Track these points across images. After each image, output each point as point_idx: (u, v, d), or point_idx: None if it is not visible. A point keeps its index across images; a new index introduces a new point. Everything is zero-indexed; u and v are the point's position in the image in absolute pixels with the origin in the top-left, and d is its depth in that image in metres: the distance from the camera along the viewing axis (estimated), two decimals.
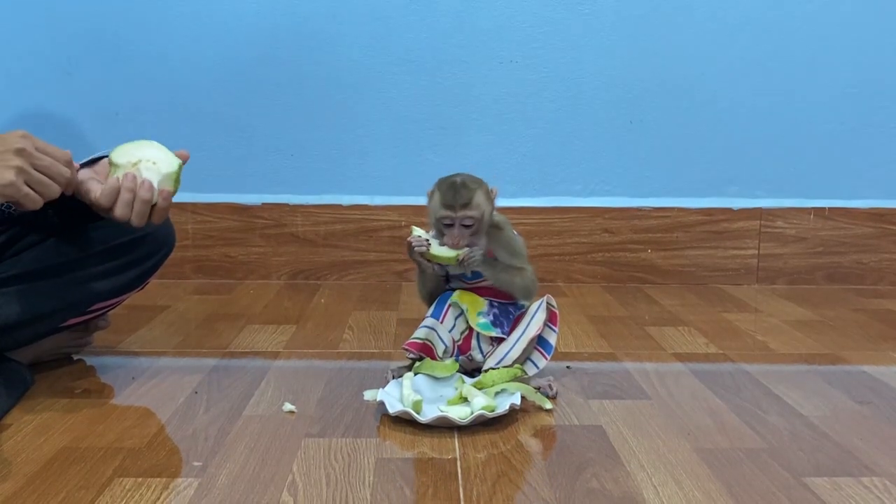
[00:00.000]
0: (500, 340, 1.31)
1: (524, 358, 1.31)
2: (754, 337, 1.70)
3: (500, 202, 1.35)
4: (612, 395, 1.32)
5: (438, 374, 1.28)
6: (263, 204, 2.20)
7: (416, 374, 1.28)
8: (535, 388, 1.26)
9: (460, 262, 1.27)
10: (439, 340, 1.33)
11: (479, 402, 1.17)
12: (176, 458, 1.06)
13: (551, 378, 1.32)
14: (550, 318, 1.33)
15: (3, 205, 1.29)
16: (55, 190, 1.13)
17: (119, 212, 1.18)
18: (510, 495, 0.96)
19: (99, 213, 1.23)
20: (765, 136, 2.21)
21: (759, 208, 2.22)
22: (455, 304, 1.33)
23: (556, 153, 2.21)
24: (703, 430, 1.17)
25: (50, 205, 1.25)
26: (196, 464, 1.04)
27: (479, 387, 1.23)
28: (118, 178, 1.18)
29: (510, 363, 1.28)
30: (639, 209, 2.22)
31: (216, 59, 2.15)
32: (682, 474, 1.02)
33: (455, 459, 1.06)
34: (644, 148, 2.21)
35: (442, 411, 1.16)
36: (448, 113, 2.18)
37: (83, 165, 1.23)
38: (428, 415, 1.15)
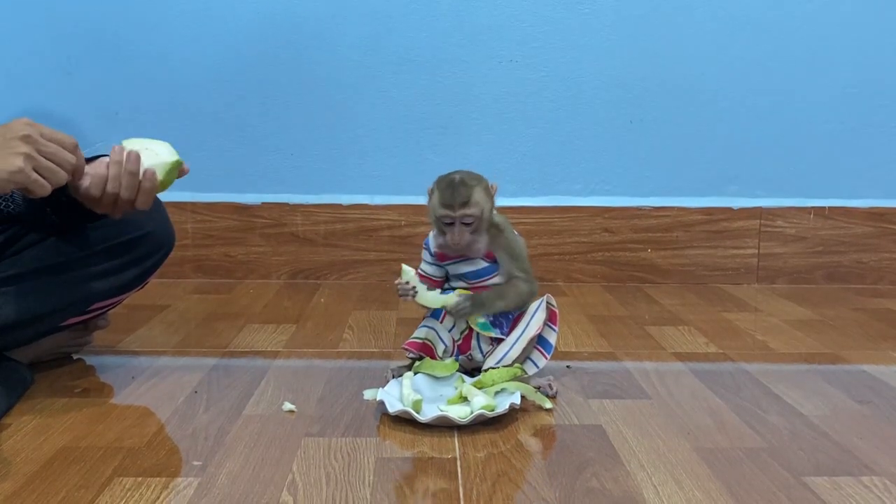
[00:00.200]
0: (499, 340, 1.31)
1: (524, 357, 1.31)
2: (754, 336, 1.70)
3: (500, 202, 1.35)
4: (612, 394, 1.32)
5: (438, 373, 1.28)
6: (263, 203, 2.20)
7: (415, 374, 1.28)
8: (534, 388, 1.26)
9: (451, 314, 1.27)
10: (439, 340, 1.33)
11: (479, 402, 1.17)
12: (176, 458, 1.06)
13: (551, 377, 1.32)
14: (550, 318, 1.33)
15: (1, 204, 1.29)
16: (62, 176, 1.13)
17: (109, 186, 1.18)
18: (510, 495, 0.96)
19: (92, 207, 1.23)
20: (765, 136, 2.21)
21: (759, 208, 2.22)
22: None
23: (556, 152, 2.21)
24: (703, 429, 1.17)
25: (49, 204, 1.25)
26: (196, 463, 1.04)
27: (479, 386, 1.23)
28: (105, 162, 1.18)
29: (510, 362, 1.28)
30: (639, 209, 2.22)
31: (216, 58, 2.15)
32: (681, 474, 1.02)
33: (455, 459, 1.06)
34: (644, 147, 2.21)
35: (442, 411, 1.16)
36: (448, 112, 2.18)
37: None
38: (428, 414, 1.15)
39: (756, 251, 2.24)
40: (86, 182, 1.19)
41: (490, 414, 1.16)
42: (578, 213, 2.21)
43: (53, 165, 1.12)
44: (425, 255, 1.37)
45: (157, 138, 1.25)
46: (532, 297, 1.31)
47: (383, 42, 2.16)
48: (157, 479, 0.99)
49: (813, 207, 2.23)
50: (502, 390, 1.23)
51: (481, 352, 1.33)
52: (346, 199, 2.21)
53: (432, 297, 1.28)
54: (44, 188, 1.11)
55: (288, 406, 1.23)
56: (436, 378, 1.28)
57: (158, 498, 0.94)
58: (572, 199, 2.21)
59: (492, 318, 1.31)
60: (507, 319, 1.33)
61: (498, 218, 1.33)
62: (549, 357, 1.32)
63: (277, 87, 2.17)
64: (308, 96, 2.17)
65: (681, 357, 1.54)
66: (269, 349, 1.56)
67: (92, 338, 1.51)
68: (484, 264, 1.32)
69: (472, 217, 1.26)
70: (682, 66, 2.18)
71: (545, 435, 1.15)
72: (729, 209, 2.22)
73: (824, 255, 2.24)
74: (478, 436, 1.13)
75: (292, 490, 0.96)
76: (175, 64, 2.15)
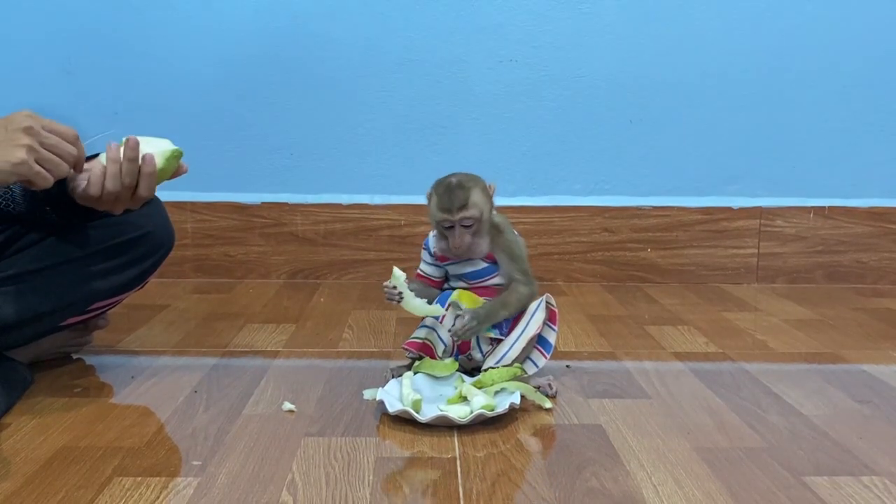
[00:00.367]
0: (499, 340, 1.31)
1: (524, 357, 1.31)
2: (754, 336, 1.70)
3: (500, 201, 1.35)
4: (611, 394, 1.32)
5: (438, 373, 1.28)
6: (263, 203, 2.20)
7: (415, 374, 1.28)
8: (534, 388, 1.26)
9: (458, 336, 1.27)
10: (439, 340, 1.33)
11: (479, 402, 1.17)
12: (175, 458, 1.06)
13: (551, 377, 1.32)
14: (550, 317, 1.33)
15: (1, 203, 1.29)
16: (64, 168, 1.13)
17: (109, 184, 1.17)
18: (510, 494, 0.96)
19: (93, 206, 1.23)
20: (765, 136, 2.21)
21: (759, 207, 2.22)
22: (455, 304, 1.33)
23: (555, 152, 2.20)
24: (702, 429, 1.17)
25: (49, 202, 1.25)
26: (195, 463, 1.04)
27: (479, 386, 1.23)
28: (103, 165, 1.18)
29: (510, 362, 1.28)
30: (638, 208, 2.22)
31: (216, 58, 2.15)
32: (681, 473, 1.02)
33: (455, 458, 1.06)
34: (644, 147, 2.21)
35: (441, 410, 1.16)
36: (448, 112, 2.18)
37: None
38: (427, 414, 1.15)
39: (756, 251, 2.24)
40: (82, 184, 1.19)
41: (490, 414, 1.16)
42: (578, 213, 2.21)
43: (55, 157, 1.12)
44: (425, 255, 1.37)
45: (156, 137, 1.25)
46: (532, 298, 1.31)
47: (383, 42, 2.16)
48: (157, 478, 0.99)
49: (813, 207, 2.23)
50: (502, 390, 1.23)
51: (481, 351, 1.32)
52: (345, 198, 2.21)
53: (418, 305, 1.27)
54: (46, 180, 1.11)
55: (287, 406, 1.23)
56: (435, 378, 1.28)
57: (158, 498, 0.94)
58: (572, 199, 2.21)
59: None
60: (507, 320, 1.32)
61: (498, 218, 1.32)
62: (548, 357, 1.32)
63: (277, 86, 2.17)
64: (308, 96, 2.17)
65: (680, 357, 1.54)
66: (268, 349, 1.56)
67: (92, 337, 1.51)
68: (484, 265, 1.32)
69: (471, 219, 1.26)
70: (682, 66, 2.18)
71: (545, 434, 1.15)
72: (729, 209, 2.22)
73: (824, 255, 2.24)
74: (477, 435, 1.13)
75: (292, 490, 0.96)
76: (175, 63, 2.15)
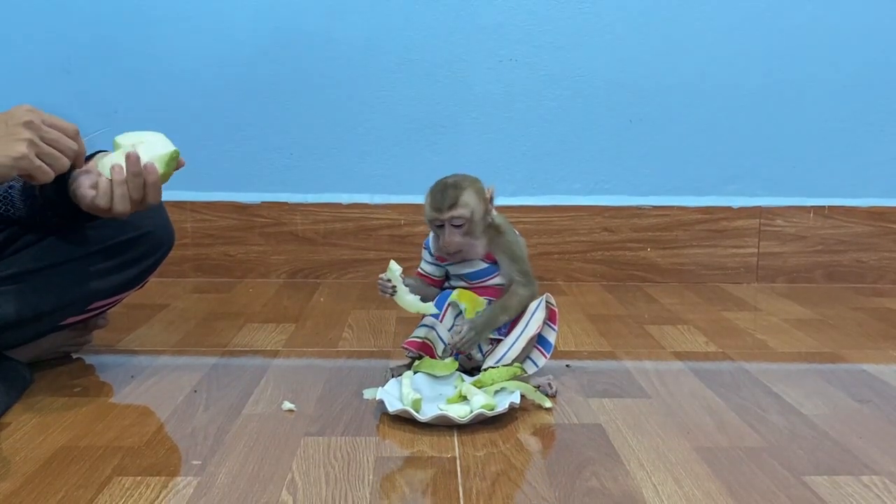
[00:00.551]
0: (499, 339, 1.31)
1: (524, 356, 1.31)
2: (754, 335, 1.70)
3: (500, 201, 1.35)
4: (611, 393, 1.32)
5: (438, 372, 1.28)
6: (263, 202, 2.20)
7: (415, 373, 1.28)
8: (534, 387, 1.26)
9: (460, 348, 1.27)
10: (439, 339, 1.33)
11: (479, 401, 1.17)
12: (175, 457, 1.06)
13: (551, 377, 1.32)
14: (550, 317, 1.33)
15: (1, 208, 1.29)
16: (64, 163, 1.13)
17: (120, 206, 1.19)
18: (509, 494, 0.96)
19: (100, 216, 1.23)
20: (764, 135, 2.21)
21: (759, 207, 2.22)
22: (454, 304, 1.33)
23: (555, 152, 2.20)
24: (702, 428, 1.17)
25: (50, 208, 1.25)
26: (195, 462, 1.04)
27: (479, 385, 1.23)
28: (108, 179, 1.18)
29: (509, 362, 1.28)
30: (638, 208, 2.22)
31: (216, 58, 2.15)
32: (681, 473, 1.02)
33: (455, 458, 1.06)
34: (643, 146, 2.20)
35: (441, 410, 1.16)
36: (447, 111, 2.18)
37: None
38: (427, 413, 1.15)
39: (756, 250, 2.24)
40: (89, 194, 1.19)
41: (490, 413, 1.16)
42: (578, 213, 2.21)
43: (56, 152, 1.12)
44: (425, 254, 1.37)
45: (148, 132, 1.25)
46: (532, 299, 1.31)
47: (383, 42, 2.16)
48: (157, 478, 0.99)
49: (813, 206, 2.23)
50: (502, 389, 1.23)
51: (481, 351, 1.32)
52: (345, 198, 2.21)
53: (410, 301, 1.28)
54: (47, 174, 1.11)
55: (287, 405, 1.23)
56: (435, 377, 1.28)
57: (158, 497, 0.94)
58: (572, 199, 2.21)
59: None
60: None
61: (498, 219, 1.32)
62: (548, 356, 1.32)
63: (276, 85, 2.17)
64: (308, 96, 2.17)
65: (680, 356, 1.54)
66: (268, 348, 1.56)
67: (91, 337, 1.51)
68: (484, 265, 1.32)
69: (460, 220, 1.26)
70: (682, 66, 2.18)
71: (545, 434, 1.15)
72: (729, 208, 2.22)
73: (824, 255, 2.24)
74: (477, 435, 1.13)
75: (292, 489, 0.96)
76: (174, 63, 2.15)
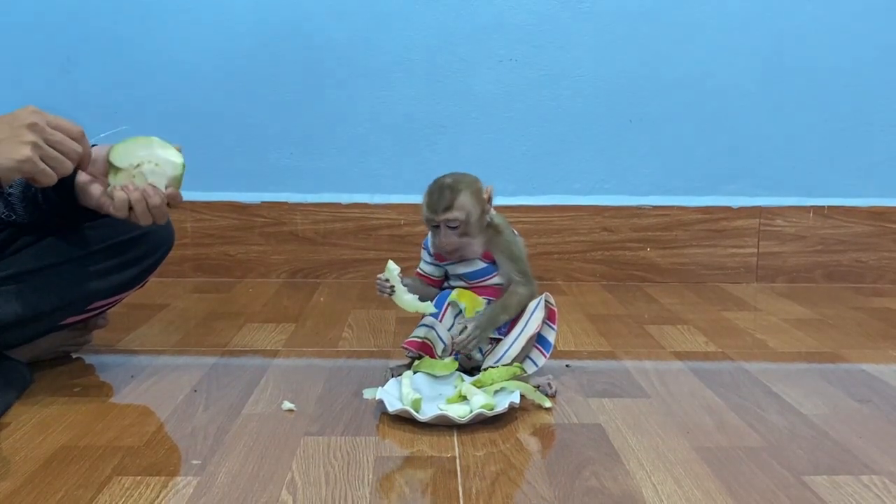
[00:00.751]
0: (498, 339, 1.31)
1: (523, 356, 1.31)
2: (753, 335, 1.70)
3: (500, 201, 1.35)
4: (611, 393, 1.32)
5: (438, 372, 1.28)
6: (263, 202, 2.20)
7: (415, 373, 1.28)
8: (534, 387, 1.26)
9: (462, 349, 1.27)
10: (438, 339, 1.33)
11: (479, 401, 1.17)
12: (175, 457, 1.06)
13: (550, 376, 1.32)
14: (549, 316, 1.33)
15: (2, 212, 1.28)
16: (68, 167, 1.13)
17: (142, 222, 1.21)
18: (509, 493, 0.96)
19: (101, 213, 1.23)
20: (764, 135, 2.21)
21: (759, 206, 2.22)
22: (454, 303, 1.33)
23: (555, 151, 2.21)
24: (702, 428, 1.17)
25: (51, 212, 1.25)
26: (195, 462, 1.04)
27: (479, 385, 1.23)
28: (126, 191, 1.18)
29: (509, 361, 1.28)
30: (638, 207, 2.22)
31: (216, 57, 2.15)
32: (681, 473, 1.02)
33: (454, 458, 1.06)
34: (643, 146, 2.21)
35: (441, 409, 1.16)
36: (447, 111, 2.18)
37: None
38: (427, 413, 1.15)
39: (755, 250, 2.24)
40: (106, 202, 1.20)
41: (489, 413, 1.16)
42: (578, 213, 2.21)
43: (60, 155, 1.11)
44: (424, 254, 1.37)
45: (153, 136, 1.24)
46: (531, 299, 1.31)
47: (383, 41, 2.16)
48: (157, 477, 0.99)
49: (812, 206, 2.23)
50: (502, 389, 1.23)
51: (480, 351, 1.32)
52: (345, 197, 2.21)
53: (408, 301, 1.28)
54: (50, 178, 1.11)
55: (287, 405, 1.23)
56: (435, 377, 1.28)
57: (158, 497, 0.94)
58: (571, 199, 2.21)
59: None
60: None
61: (497, 219, 1.32)
62: (548, 356, 1.32)
63: (277, 85, 2.17)
64: (307, 95, 2.17)
65: (680, 356, 1.54)
66: (268, 348, 1.56)
67: (91, 337, 1.51)
68: (482, 265, 1.32)
69: (455, 221, 1.26)
70: (682, 66, 2.18)
71: (544, 434, 1.15)
72: (728, 208, 2.22)
73: (824, 254, 2.24)
74: (477, 435, 1.13)
75: (291, 489, 0.96)
76: (174, 62, 2.15)
